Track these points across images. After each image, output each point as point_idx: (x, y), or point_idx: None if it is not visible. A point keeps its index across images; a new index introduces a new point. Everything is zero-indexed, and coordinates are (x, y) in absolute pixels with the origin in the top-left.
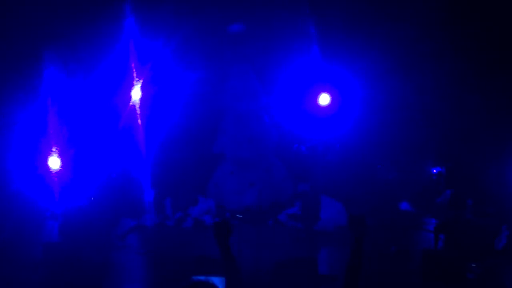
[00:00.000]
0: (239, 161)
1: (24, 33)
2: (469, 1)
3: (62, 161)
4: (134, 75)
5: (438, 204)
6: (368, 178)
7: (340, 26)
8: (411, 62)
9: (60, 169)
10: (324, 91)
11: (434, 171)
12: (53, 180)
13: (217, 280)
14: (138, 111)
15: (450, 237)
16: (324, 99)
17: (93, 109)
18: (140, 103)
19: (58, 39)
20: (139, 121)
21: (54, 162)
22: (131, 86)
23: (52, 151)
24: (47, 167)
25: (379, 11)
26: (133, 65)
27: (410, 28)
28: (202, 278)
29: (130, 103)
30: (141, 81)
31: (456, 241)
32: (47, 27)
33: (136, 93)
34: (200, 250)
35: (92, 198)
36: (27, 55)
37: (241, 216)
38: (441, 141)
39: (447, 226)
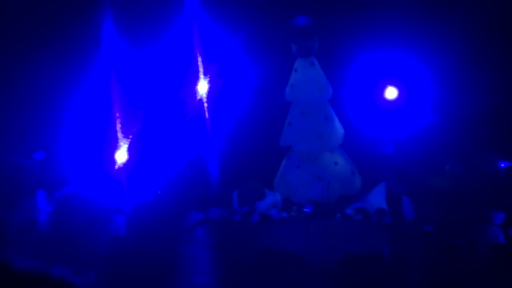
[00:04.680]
0: (306, 154)
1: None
2: None
3: (128, 153)
4: (201, 68)
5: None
6: (435, 173)
7: (408, 19)
8: (479, 57)
9: (126, 162)
10: (391, 84)
11: (502, 165)
12: (120, 173)
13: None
14: (204, 104)
15: None
16: (391, 92)
17: (159, 102)
18: (207, 96)
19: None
20: (206, 114)
21: (121, 155)
22: (197, 79)
23: (118, 143)
24: (113, 160)
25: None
26: (199, 58)
27: (480, 24)
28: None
29: (197, 96)
30: (208, 74)
31: None
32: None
33: (202, 86)
34: (266, 245)
35: (159, 192)
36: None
37: (308, 210)
38: (509, 135)
39: None
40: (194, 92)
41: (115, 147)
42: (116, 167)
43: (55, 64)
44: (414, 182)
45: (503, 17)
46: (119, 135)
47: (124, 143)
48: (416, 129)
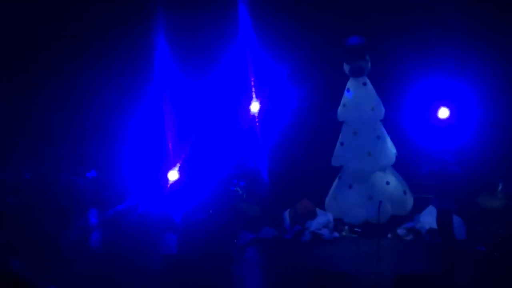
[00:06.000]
0: (358, 174)
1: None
2: None
3: (180, 172)
4: (253, 88)
5: None
6: (488, 192)
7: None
8: None
9: (178, 181)
10: (443, 105)
11: None
12: (172, 191)
13: None
14: (256, 124)
15: None
16: (443, 112)
17: (212, 122)
18: (259, 116)
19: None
20: (257, 134)
21: (173, 174)
22: (250, 99)
23: (171, 163)
24: (166, 179)
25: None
26: (252, 78)
27: None
28: None
29: (250, 116)
30: (261, 94)
31: None
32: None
33: (255, 107)
34: (318, 264)
35: (211, 211)
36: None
37: (360, 230)
38: None
39: None
40: (246, 112)
41: (168, 166)
42: (169, 186)
43: (109, 87)
44: (465, 201)
45: None
46: (172, 154)
47: (177, 162)
48: (468, 148)
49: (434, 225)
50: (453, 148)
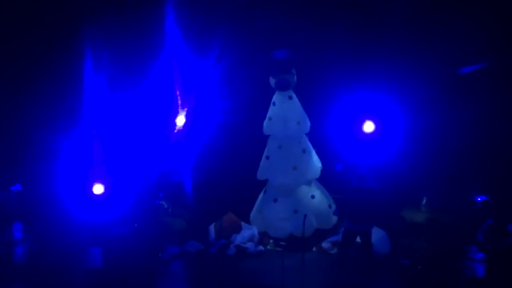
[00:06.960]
0: (283, 188)
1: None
2: None
3: (105, 186)
4: (179, 101)
5: (481, 232)
6: (412, 206)
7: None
8: (454, 93)
9: (103, 195)
10: (368, 119)
11: (479, 199)
12: (97, 205)
13: None
14: (182, 137)
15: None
16: (368, 126)
17: (137, 134)
18: (185, 129)
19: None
20: (183, 147)
21: (98, 188)
22: (176, 113)
23: (96, 176)
24: (91, 192)
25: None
26: (177, 91)
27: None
28: None
29: (175, 129)
30: (186, 108)
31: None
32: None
33: (180, 120)
34: (243, 278)
35: (136, 225)
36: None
37: (285, 243)
38: (487, 169)
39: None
40: (172, 125)
41: (93, 179)
42: (94, 199)
43: (36, 102)
44: (387, 215)
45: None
46: (97, 167)
47: (102, 176)
48: (393, 162)
49: (358, 239)
50: (378, 161)
